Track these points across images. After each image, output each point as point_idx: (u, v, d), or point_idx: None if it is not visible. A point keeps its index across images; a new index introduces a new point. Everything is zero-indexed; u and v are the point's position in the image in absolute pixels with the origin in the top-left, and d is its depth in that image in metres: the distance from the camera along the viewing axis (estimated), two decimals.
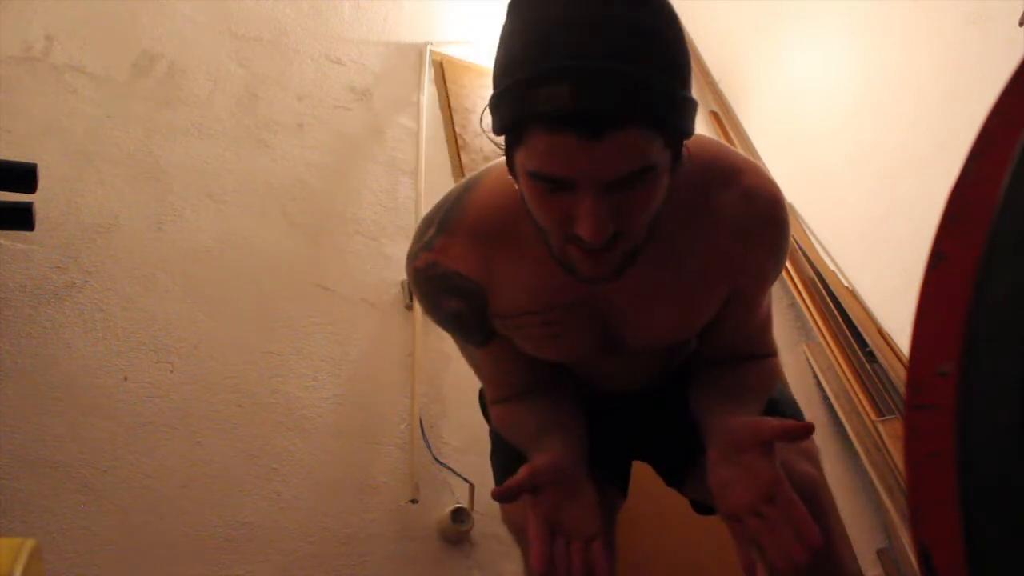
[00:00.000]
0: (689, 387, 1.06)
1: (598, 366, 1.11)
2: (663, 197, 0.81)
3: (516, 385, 1.08)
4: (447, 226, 0.97)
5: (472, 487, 1.81)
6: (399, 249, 2.12)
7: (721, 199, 0.93)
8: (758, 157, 3.00)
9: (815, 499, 1.00)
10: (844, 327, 2.44)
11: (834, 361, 2.40)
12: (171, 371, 1.69)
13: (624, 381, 1.18)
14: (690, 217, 0.93)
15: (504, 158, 0.83)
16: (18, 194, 1.38)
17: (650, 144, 0.74)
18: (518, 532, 1.10)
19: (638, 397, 1.23)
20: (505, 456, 1.15)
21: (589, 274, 0.85)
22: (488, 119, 0.80)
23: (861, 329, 2.40)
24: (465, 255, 0.96)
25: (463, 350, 1.11)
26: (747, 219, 0.94)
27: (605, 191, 0.75)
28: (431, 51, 2.56)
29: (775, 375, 1.08)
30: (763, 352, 1.07)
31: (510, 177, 0.85)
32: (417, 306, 1.99)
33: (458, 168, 2.36)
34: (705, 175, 0.92)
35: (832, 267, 2.59)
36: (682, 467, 1.20)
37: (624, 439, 1.24)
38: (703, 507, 1.24)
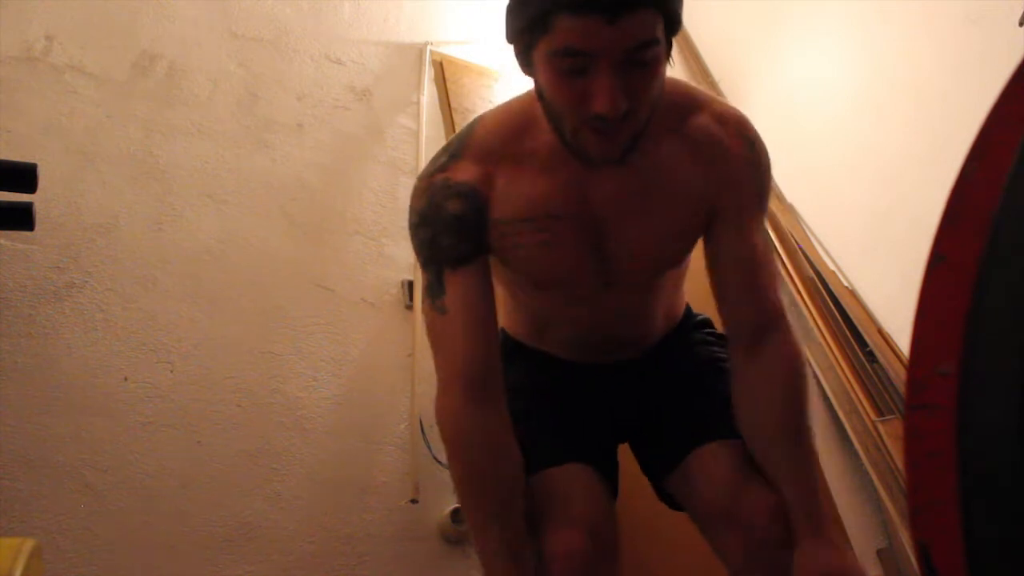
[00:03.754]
0: (733, 400, 1.11)
1: (585, 304, 1.15)
2: (662, 85, 0.95)
3: (475, 361, 1.06)
4: (458, 151, 1.10)
5: None
6: (399, 249, 2.12)
7: (694, 122, 1.08)
8: None
9: (782, 524, 1.03)
10: (844, 327, 2.44)
11: (834, 361, 2.40)
12: (171, 371, 1.69)
13: (613, 332, 1.20)
14: (668, 138, 1.06)
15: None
16: (18, 194, 1.38)
17: (656, 23, 0.90)
18: None
19: (628, 369, 1.25)
20: None
21: (599, 154, 0.97)
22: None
23: (861, 329, 2.40)
24: (471, 170, 1.07)
25: (432, 315, 1.09)
26: (721, 137, 1.08)
27: (618, 68, 0.89)
28: (431, 51, 2.56)
29: (802, 365, 1.10)
30: (780, 317, 1.10)
31: (513, 101, 1.09)
32: (417, 306, 1.99)
33: None
34: (678, 103, 1.07)
35: (832, 267, 2.59)
36: (669, 461, 1.20)
37: (610, 424, 1.24)
38: (673, 501, 1.24)
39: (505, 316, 1.29)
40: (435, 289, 1.09)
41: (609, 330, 1.21)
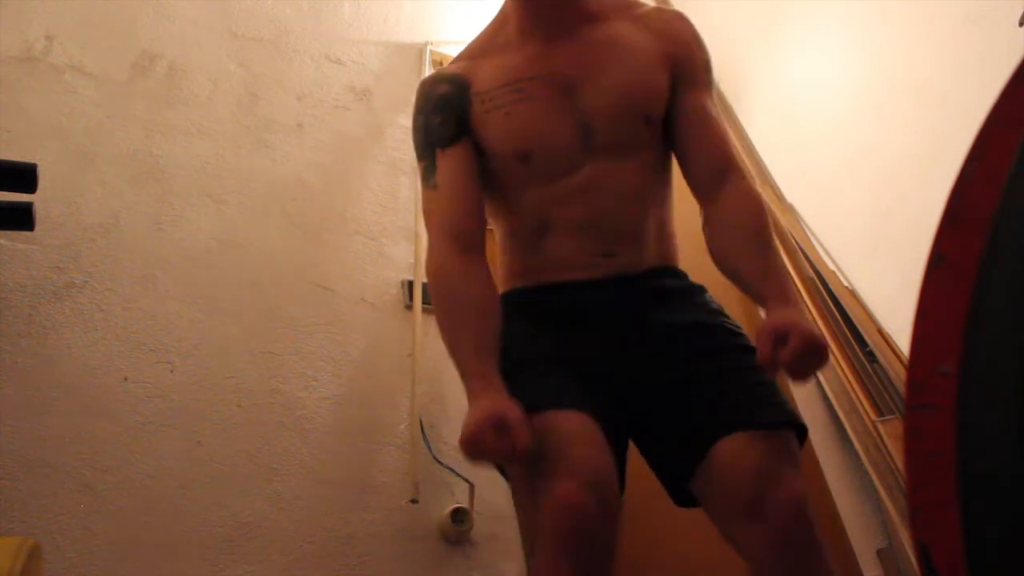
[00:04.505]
0: (710, 243, 1.25)
1: (574, 180, 1.24)
2: None
3: (461, 220, 1.22)
4: (454, 60, 1.38)
5: (472, 487, 1.81)
6: (399, 249, 2.12)
7: (639, 11, 1.34)
8: (758, 157, 2.99)
9: (806, 519, 1.04)
10: (844, 327, 2.44)
11: (834, 361, 2.39)
12: (171, 371, 1.69)
13: (607, 218, 1.25)
14: (618, 20, 1.31)
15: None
16: (18, 194, 1.38)
17: None
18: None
19: (631, 297, 1.24)
20: None
21: None
22: None
23: (861, 329, 2.40)
24: (458, 65, 1.34)
25: (427, 194, 1.26)
26: (665, 16, 1.36)
27: None
28: (431, 51, 2.56)
29: (759, 199, 1.26)
30: (736, 162, 1.27)
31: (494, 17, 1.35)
32: (417, 306, 1.99)
33: None
34: (624, 2, 1.35)
35: (832, 267, 2.59)
36: (693, 454, 1.14)
37: (618, 403, 1.19)
38: (686, 498, 1.20)
39: (502, 265, 1.33)
40: (430, 171, 1.26)
41: (603, 216, 1.25)
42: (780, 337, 1.02)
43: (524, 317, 1.24)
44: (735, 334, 1.25)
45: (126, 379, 1.64)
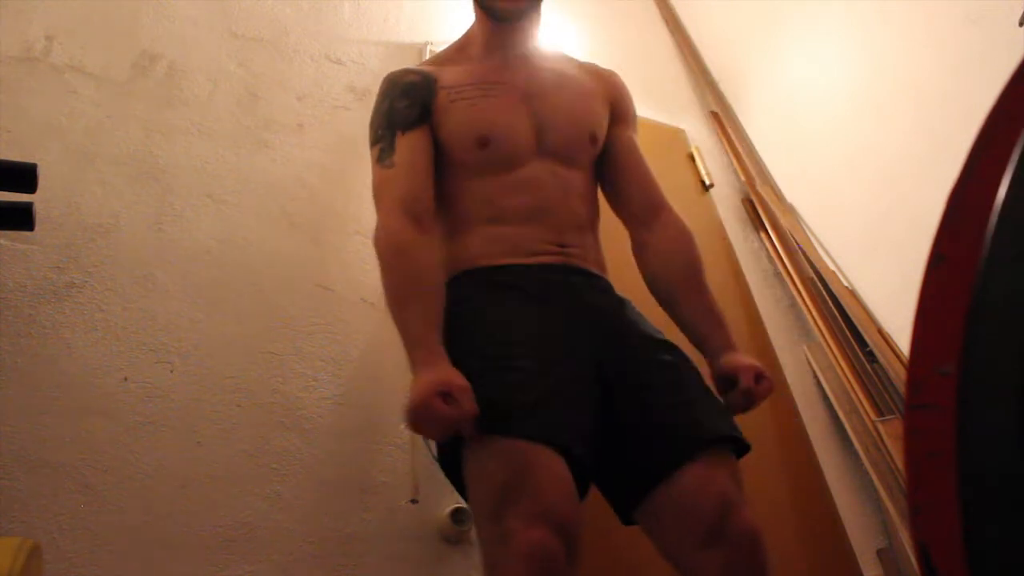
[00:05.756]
0: (642, 267, 1.41)
1: (524, 173, 1.34)
2: None
3: (414, 194, 1.29)
4: (420, 64, 1.53)
5: None
6: None
7: (580, 62, 1.59)
8: (758, 157, 2.99)
9: (760, 551, 1.07)
10: (844, 327, 2.44)
11: (834, 361, 2.40)
12: (171, 371, 1.69)
13: (551, 206, 1.34)
14: (565, 63, 1.54)
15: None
16: (18, 194, 1.38)
17: None
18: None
19: (580, 288, 1.30)
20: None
21: (504, 5, 1.40)
22: None
23: (861, 329, 2.40)
24: (425, 67, 1.48)
25: (381, 173, 1.33)
26: (601, 70, 1.58)
27: None
28: (431, 51, 2.55)
29: (692, 236, 1.41)
30: (662, 196, 1.44)
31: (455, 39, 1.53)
32: None
33: None
34: (569, 57, 1.59)
35: (832, 267, 2.59)
36: (650, 479, 1.16)
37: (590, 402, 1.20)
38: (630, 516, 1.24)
39: (455, 249, 1.35)
40: (387, 152, 1.33)
41: (549, 206, 1.34)
42: (759, 377, 1.22)
43: (490, 292, 1.27)
44: (677, 347, 1.32)
45: (126, 379, 1.64)
